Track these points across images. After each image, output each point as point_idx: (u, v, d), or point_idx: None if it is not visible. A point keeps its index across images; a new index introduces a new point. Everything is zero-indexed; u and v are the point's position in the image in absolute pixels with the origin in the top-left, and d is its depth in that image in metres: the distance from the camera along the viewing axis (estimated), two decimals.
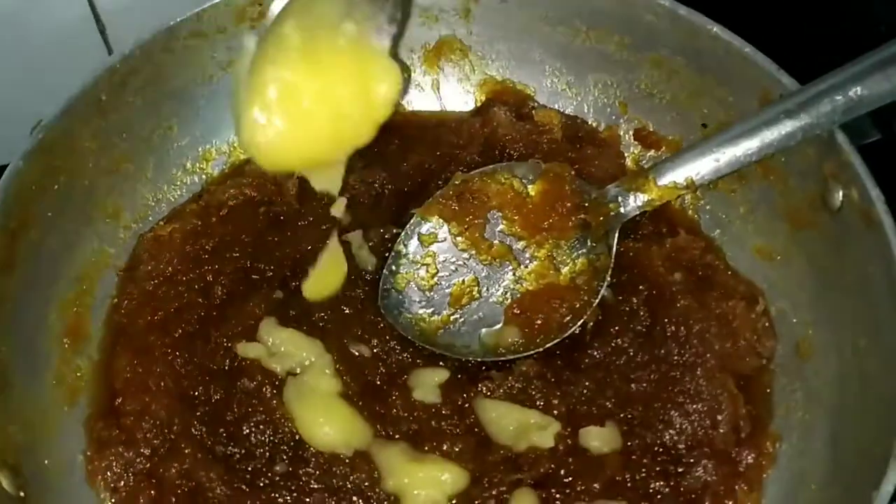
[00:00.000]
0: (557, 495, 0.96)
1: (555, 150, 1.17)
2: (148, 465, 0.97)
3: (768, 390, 1.04)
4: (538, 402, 1.01)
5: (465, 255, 1.10)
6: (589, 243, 1.07)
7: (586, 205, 1.08)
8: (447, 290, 1.09)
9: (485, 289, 1.09)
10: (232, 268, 1.09)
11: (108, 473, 0.96)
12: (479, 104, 1.26)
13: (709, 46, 1.08)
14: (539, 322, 1.06)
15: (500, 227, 1.10)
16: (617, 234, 1.06)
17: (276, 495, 0.95)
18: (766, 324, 1.06)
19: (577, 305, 1.05)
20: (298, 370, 1.02)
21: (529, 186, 1.10)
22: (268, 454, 0.98)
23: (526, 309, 1.07)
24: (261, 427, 0.99)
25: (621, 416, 1.00)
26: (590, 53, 1.19)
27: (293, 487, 0.96)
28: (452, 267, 1.10)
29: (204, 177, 1.20)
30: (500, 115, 1.19)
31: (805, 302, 1.04)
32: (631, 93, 1.19)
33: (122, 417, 0.99)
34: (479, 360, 1.05)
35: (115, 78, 1.05)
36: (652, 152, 1.20)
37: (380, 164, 1.19)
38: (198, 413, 0.99)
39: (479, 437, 1.00)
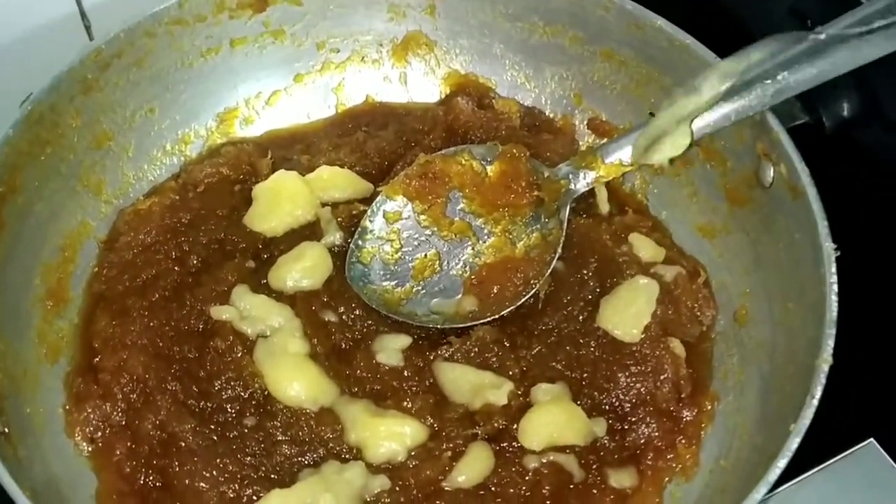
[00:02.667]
0: (510, 448, 1.02)
1: (512, 136, 1.24)
2: (124, 417, 1.02)
3: (709, 355, 1.11)
4: (493, 365, 1.07)
5: (428, 231, 1.17)
6: (542, 219, 1.14)
7: (539, 183, 1.15)
8: (410, 264, 1.16)
9: (445, 262, 1.16)
10: (207, 239, 1.15)
11: (87, 425, 1.01)
12: (443, 96, 1.34)
13: (653, 38, 1.16)
14: (495, 291, 1.13)
15: (461, 205, 1.17)
16: (568, 210, 1.14)
17: (245, 445, 1.01)
18: (707, 294, 1.13)
19: (531, 275, 1.12)
20: (268, 333, 1.08)
21: (488, 167, 1.17)
22: (238, 408, 1.03)
23: (483, 280, 1.14)
24: (231, 384, 1.04)
25: (571, 376, 1.07)
26: (546, 48, 1.27)
27: (261, 439, 1.01)
28: (415, 242, 1.16)
29: (183, 158, 1.26)
30: (461, 104, 1.27)
31: (742, 273, 1.12)
32: (585, 84, 1.28)
33: (100, 373, 1.04)
34: (439, 327, 1.11)
35: (99, 58, 1.12)
36: (605, 140, 1.28)
37: (348, 147, 1.26)
38: (172, 370, 1.04)
39: (438, 396, 1.06)
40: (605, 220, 1.19)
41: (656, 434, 1.04)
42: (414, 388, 1.07)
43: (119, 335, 1.06)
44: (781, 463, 0.83)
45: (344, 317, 1.11)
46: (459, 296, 1.14)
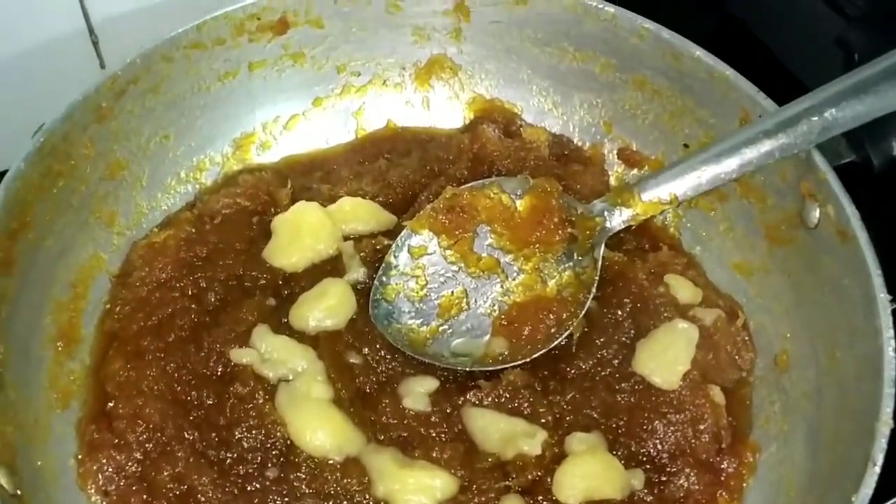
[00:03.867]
0: (544, 502, 0.98)
1: (541, 166, 1.20)
2: (139, 468, 0.97)
3: (748, 402, 1.07)
4: (525, 411, 1.03)
5: (454, 267, 1.12)
6: (575, 256, 1.10)
7: (573, 219, 1.10)
8: (436, 302, 1.11)
9: (473, 300, 1.11)
10: (225, 275, 1.11)
11: (100, 477, 0.97)
12: (467, 121, 1.30)
13: (691, 69, 1.12)
14: (526, 332, 1.08)
15: (489, 240, 1.12)
16: (602, 248, 1.09)
17: (268, 499, 0.96)
18: (746, 337, 1.09)
19: (564, 316, 1.08)
20: (291, 377, 1.04)
21: (518, 201, 1.12)
22: (259, 458, 0.99)
23: (513, 320, 1.09)
24: (253, 432, 0.99)
25: (606, 424, 1.03)
26: (576, 74, 1.23)
27: (284, 492, 0.97)
28: (441, 279, 1.12)
29: (198, 186, 1.21)
30: (488, 132, 1.22)
31: (782, 315, 1.08)
32: (615, 112, 1.23)
33: (115, 421, 0.99)
34: (467, 369, 1.07)
35: (115, 86, 1.08)
36: (635, 171, 1.24)
37: (370, 176, 1.22)
38: (190, 417, 1.00)
39: (468, 444, 1.02)
40: (638, 258, 1.14)
41: (696, 487, 1.00)
42: (443, 437, 1.02)
43: (134, 380, 1.01)
44: None
45: (368, 358, 1.07)
46: (488, 336, 1.09)
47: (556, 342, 1.07)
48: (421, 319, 1.10)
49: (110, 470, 0.97)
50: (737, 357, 1.08)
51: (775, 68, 1.06)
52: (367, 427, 1.02)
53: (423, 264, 1.12)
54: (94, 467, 0.97)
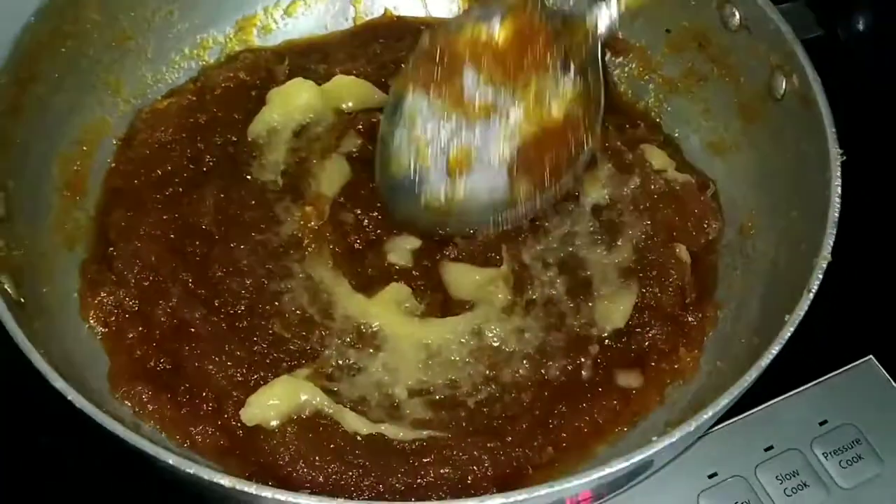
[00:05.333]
0: None
1: None
2: (137, 303, 1.04)
3: (715, 267, 1.12)
4: (498, 265, 1.08)
5: (452, 121, 1.02)
6: (573, 69, 1.01)
7: (559, 30, 1.01)
8: (443, 162, 1.02)
9: (481, 149, 1.01)
10: (222, 140, 1.17)
11: (100, 309, 1.04)
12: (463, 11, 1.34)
13: None
14: (547, 167, 1.02)
15: (478, 80, 1.01)
16: (600, 53, 1.02)
17: (254, 335, 1.03)
18: (715, 206, 1.14)
19: (579, 138, 1.01)
20: None
21: (497, 30, 1.01)
22: (246, 302, 1.05)
23: (529, 159, 1.01)
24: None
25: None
26: None
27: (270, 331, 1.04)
28: (442, 136, 1.02)
29: (201, 63, 1.27)
30: None
31: (750, 189, 1.13)
32: None
33: (115, 262, 1.06)
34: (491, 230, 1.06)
35: None
36: (620, 59, 1.28)
37: (364, 58, 1.28)
38: (185, 261, 1.07)
39: (444, 294, 1.08)
40: (617, 131, 1.19)
41: (661, 337, 1.05)
42: (422, 287, 1.08)
43: (134, 225, 1.08)
44: (775, 349, 0.84)
45: (359, 218, 1.12)
46: (507, 188, 1.02)
47: (576, 166, 1.02)
48: (434, 188, 1.03)
49: (110, 304, 1.03)
50: (705, 224, 1.13)
51: None
52: (352, 277, 1.09)
53: (418, 123, 1.03)
54: (95, 301, 1.03)
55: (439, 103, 1.02)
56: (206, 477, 0.76)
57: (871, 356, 1.14)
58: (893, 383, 1.12)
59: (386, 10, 1.35)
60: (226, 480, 0.76)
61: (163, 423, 0.97)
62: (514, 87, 1.00)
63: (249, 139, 1.17)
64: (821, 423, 1.08)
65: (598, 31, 1.01)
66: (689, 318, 1.07)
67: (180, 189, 1.12)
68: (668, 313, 1.07)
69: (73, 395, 0.79)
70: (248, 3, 1.30)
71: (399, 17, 1.35)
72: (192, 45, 1.27)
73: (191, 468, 0.76)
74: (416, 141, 1.03)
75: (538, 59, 1.00)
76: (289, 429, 0.95)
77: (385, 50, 1.29)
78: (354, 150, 1.17)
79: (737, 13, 1.12)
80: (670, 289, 1.07)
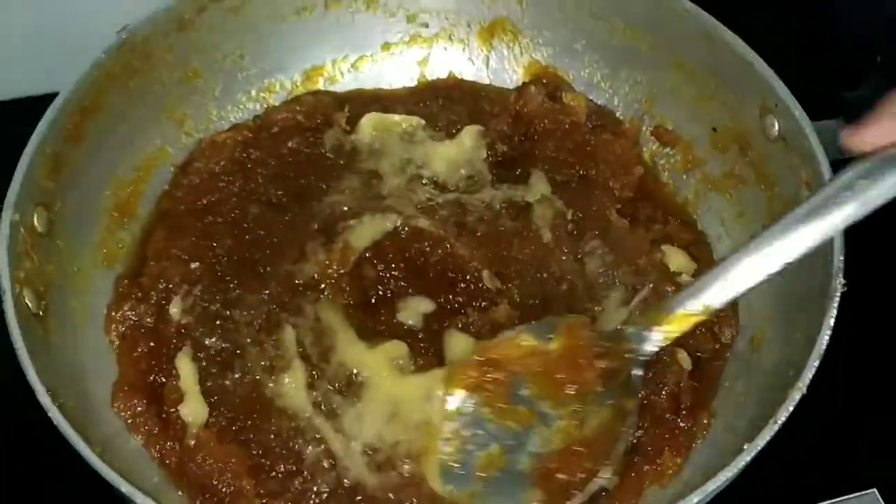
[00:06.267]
0: None
1: (576, 131, 1.28)
2: (153, 321, 1.11)
3: (717, 375, 1.11)
4: None
5: (491, 425, 1.04)
6: (611, 392, 1.02)
7: (604, 351, 1.02)
8: (473, 464, 1.02)
9: (511, 457, 1.03)
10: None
11: (121, 323, 1.11)
12: (521, 83, 1.38)
13: (721, 52, 1.16)
14: (562, 479, 1.00)
15: (524, 390, 1.03)
16: (639, 376, 1.02)
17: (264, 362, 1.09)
18: (731, 314, 1.13)
19: (600, 453, 1.00)
20: None
21: (550, 344, 1.05)
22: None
23: (549, 470, 1.01)
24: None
25: None
26: (624, 50, 1.29)
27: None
28: (478, 439, 1.04)
29: (265, 106, 1.35)
30: (532, 92, 1.31)
31: (768, 299, 1.11)
32: (657, 91, 1.29)
33: (142, 278, 1.14)
34: None
35: (198, 1, 1.22)
36: (668, 149, 1.29)
37: (420, 114, 1.33)
38: (206, 285, 1.13)
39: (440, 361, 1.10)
40: (643, 227, 1.20)
41: (645, 439, 1.05)
42: (422, 350, 1.11)
43: (167, 247, 1.15)
44: (729, 473, 0.85)
45: (381, 273, 1.16)
46: (525, 491, 1.00)
47: (591, 487, 0.99)
48: (457, 483, 1.02)
49: (130, 319, 1.11)
50: (717, 330, 1.12)
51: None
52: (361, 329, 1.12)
53: (458, 426, 1.03)
54: (118, 315, 1.11)
55: (485, 408, 1.03)
56: None
57: (874, 490, 1.10)
58: None
59: (450, 73, 1.40)
60: None
61: (148, 437, 1.03)
62: (556, 401, 1.02)
63: None
64: None
65: (638, 354, 1.01)
66: (681, 423, 1.06)
67: (219, 220, 1.19)
68: (659, 416, 1.06)
69: (53, 413, 0.86)
70: (317, 54, 1.36)
71: (461, 81, 1.39)
72: (260, 88, 1.34)
73: (138, 498, 0.81)
74: (451, 440, 1.03)
75: (582, 377, 1.02)
76: None
77: (442, 110, 1.34)
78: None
79: (776, 123, 1.11)
80: (664, 392, 1.06)
